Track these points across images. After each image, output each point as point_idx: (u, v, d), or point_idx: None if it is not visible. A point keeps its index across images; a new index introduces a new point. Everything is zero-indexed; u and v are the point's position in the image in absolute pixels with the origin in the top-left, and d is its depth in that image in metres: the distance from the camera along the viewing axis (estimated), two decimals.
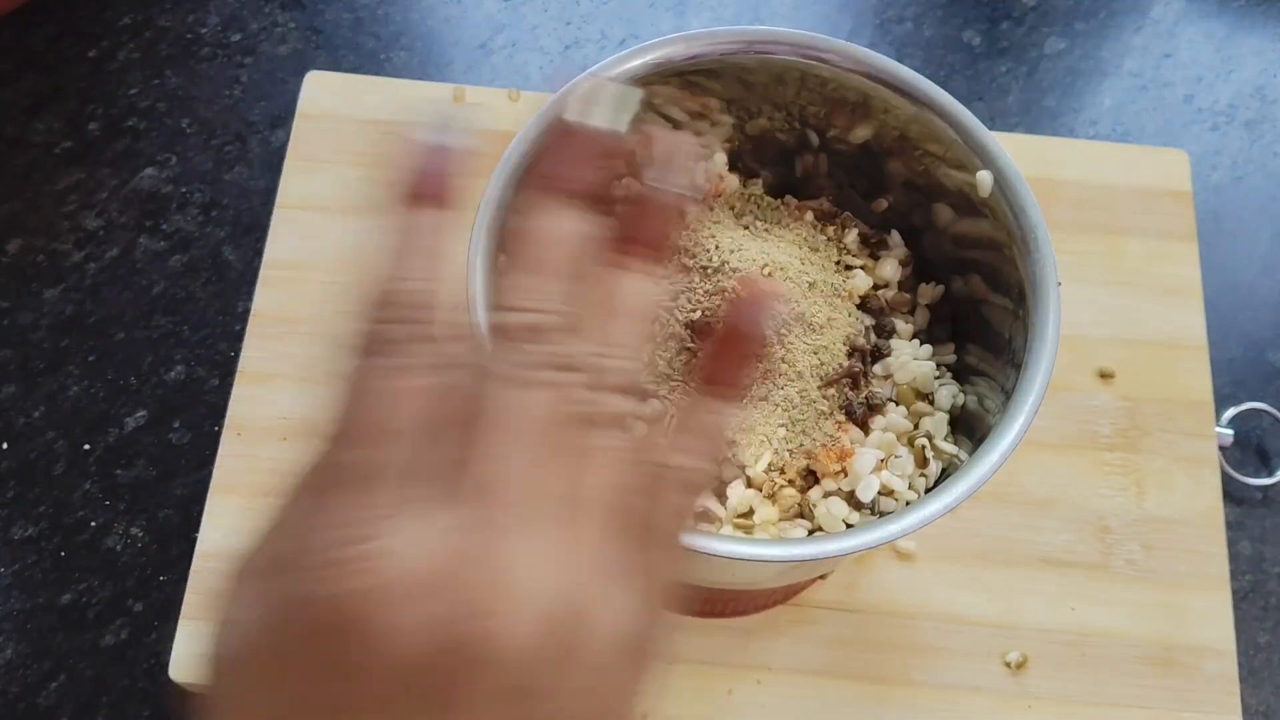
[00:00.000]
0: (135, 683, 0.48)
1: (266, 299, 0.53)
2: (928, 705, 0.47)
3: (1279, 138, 0.62)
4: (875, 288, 0.43)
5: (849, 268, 0.43)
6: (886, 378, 0.41)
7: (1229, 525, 0.52)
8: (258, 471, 0.49)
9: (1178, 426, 0.52)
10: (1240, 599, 0.51)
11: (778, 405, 0.38)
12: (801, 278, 0.40)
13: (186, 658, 0.46)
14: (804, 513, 0.38)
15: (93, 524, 0.51)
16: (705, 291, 0.39)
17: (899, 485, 0.38)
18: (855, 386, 0.40)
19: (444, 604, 0.22)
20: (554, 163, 0.26)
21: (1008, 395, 0.36)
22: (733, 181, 0.44)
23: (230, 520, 0.48)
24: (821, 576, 0.48)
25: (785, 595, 0.47)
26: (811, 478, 0.39)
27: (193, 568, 0.48)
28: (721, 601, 0.46)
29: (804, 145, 0.44)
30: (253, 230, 0.57)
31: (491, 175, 0.38)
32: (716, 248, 0.40)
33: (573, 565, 0.23)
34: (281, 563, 0.23)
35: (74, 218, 0.57)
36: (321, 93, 0.57)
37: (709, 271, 0.39)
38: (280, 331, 0.52)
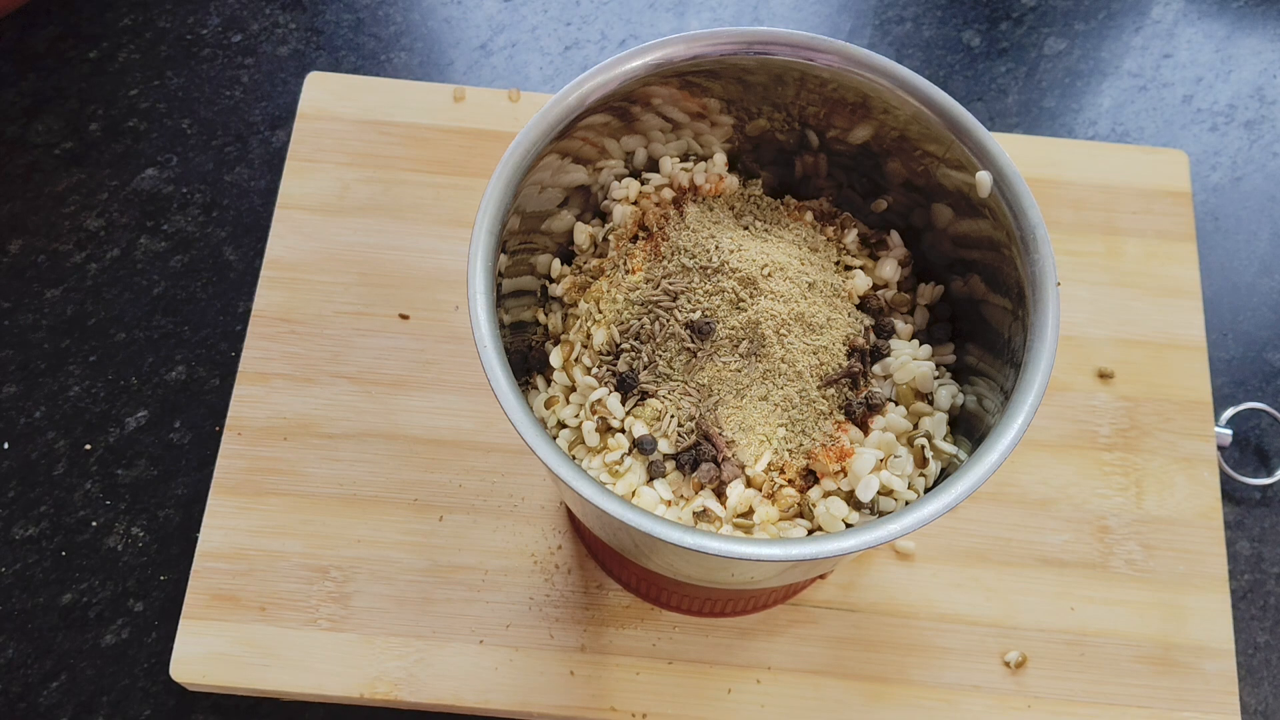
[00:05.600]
0: (135, 683, 0.48)
1: (266, 299, 0.53)
2: (927, 704, 0.47)
3: (1278, 138, 0.62)
4: (875, 288, 0.43)
5: (849, 268, 0.43)
6: (886, 378, 0.41)
7: (1228, 525, 0.52)
8: (258, 471, 0.49)
9: (1176, 426, 0.52)
10: (1239, 599, 0.51)
11: (778, 405, 0.39)
12: (801, 278, 0.40)
13: (187, 658, 0.46)
14: (804, 512, 0.38)
15: (93, 524, 0.51)
16: (705, 291, 0.39)
17: (898, 485, 0.38)
18: (855, 386, 0.40)
19: None
20: None
21: (1007, 395, 0.36)
22: (733, 181, 0.44)
23: (231, 520, 0.49)
24: (821, 576, 0.48)
25: (785, 595, 0.47)
26: (811, 477, 0.39)
27: (193, 568, 0.48)
28: (721, 601, 0.46)
29: (804, 146, 0.44)
30: (253, 230, 0.57)
31: (492, 175, 0.38)
32: (716, 248, 0.40)
33: None
34: None
35: (75, 218, 0.57)
36: (322, 93, 0.57)
37: (709, 271, 0.39)
38: (280, 331, 0.52)
